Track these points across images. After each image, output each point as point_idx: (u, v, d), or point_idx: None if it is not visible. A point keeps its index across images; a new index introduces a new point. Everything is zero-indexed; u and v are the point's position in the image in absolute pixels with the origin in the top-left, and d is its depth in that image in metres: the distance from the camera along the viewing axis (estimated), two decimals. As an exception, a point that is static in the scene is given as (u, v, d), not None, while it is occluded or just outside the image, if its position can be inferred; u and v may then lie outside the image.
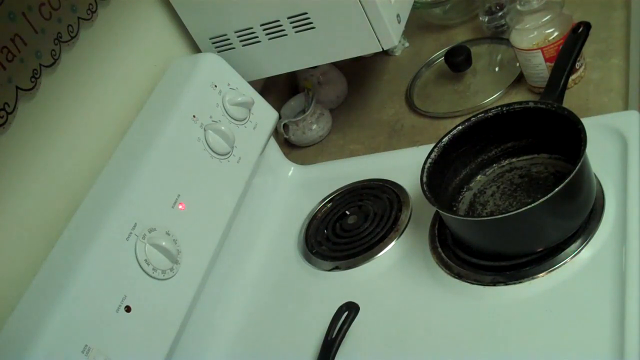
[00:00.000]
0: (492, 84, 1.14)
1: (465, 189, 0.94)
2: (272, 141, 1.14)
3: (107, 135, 0.95)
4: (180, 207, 0.86)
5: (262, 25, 1.05)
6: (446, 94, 1.19)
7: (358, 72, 1.36)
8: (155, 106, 0.97)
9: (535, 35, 1.00)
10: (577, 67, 1.01)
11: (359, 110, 1.28)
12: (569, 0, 1.07)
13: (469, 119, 0.90)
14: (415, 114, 1.19)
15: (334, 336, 0.84)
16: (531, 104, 0.85)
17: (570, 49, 0.89)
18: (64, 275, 0.74)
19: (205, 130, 0.94)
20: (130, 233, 0.79)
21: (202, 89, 0.97)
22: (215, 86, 0.99)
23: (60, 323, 0.70)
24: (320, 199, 1.10)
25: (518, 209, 0.74)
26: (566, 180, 0.73)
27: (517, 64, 1.07)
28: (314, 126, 1.24)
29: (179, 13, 1.09)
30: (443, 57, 1.20)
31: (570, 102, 0.95)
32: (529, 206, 0.74)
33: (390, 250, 0.95)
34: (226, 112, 0.98)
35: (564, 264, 0.79)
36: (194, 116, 0.93)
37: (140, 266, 0.79)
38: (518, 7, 1.00)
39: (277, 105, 1.26)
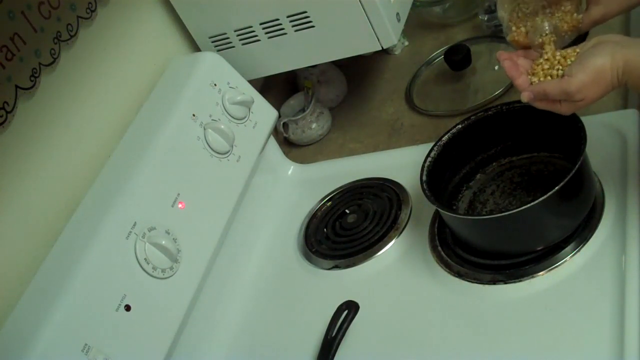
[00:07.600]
0: (492, 82, 1.14)
1: (465, 188, 0.94)
2: (272, 140, 1.14)
3: (106, 134, 0.95)
4: (179, 206, 0.86)
5: (261, 24, 1.05)
6: (446, 93, 1.19)
7: (358, 71, 1.36)
8: (154, 105, 0.97)
9: None
10: (576, 66, 1.01)
11: (358, 109, 1.28)
12: None
13: (468, 118, 0.90)
14: (415, 113, 1.19)
15: (333, 335, 0.84)
16: (531, 103, 0.85)
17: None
18: (63, 274, 0.74)
19: (204, 129, 0.94)
20: (130, 232, 0.79)
21: (202, 87, 0.97)
22: (215, 85, 0.99)
23: (60, 322, 0.70)
24: (320, 197, 1.10)
25: (518, 207, 0.74)
26: (566, 179, 0.73)
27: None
28: (314, 125, 1.24)
29: (179, 12, 1.09)
30: (443, 56, 1.20)
31: (569, 100, 0.95)
32: (528, 205, 0.74)
33: (390, 248, 0.95)
34: (226, 111, 0.98)
35: (563, 262, 0.79)
36: (193, 115, 0.93)
37: (140, 265, 0.79)
38: None
39: (277, 104, 1.26)
